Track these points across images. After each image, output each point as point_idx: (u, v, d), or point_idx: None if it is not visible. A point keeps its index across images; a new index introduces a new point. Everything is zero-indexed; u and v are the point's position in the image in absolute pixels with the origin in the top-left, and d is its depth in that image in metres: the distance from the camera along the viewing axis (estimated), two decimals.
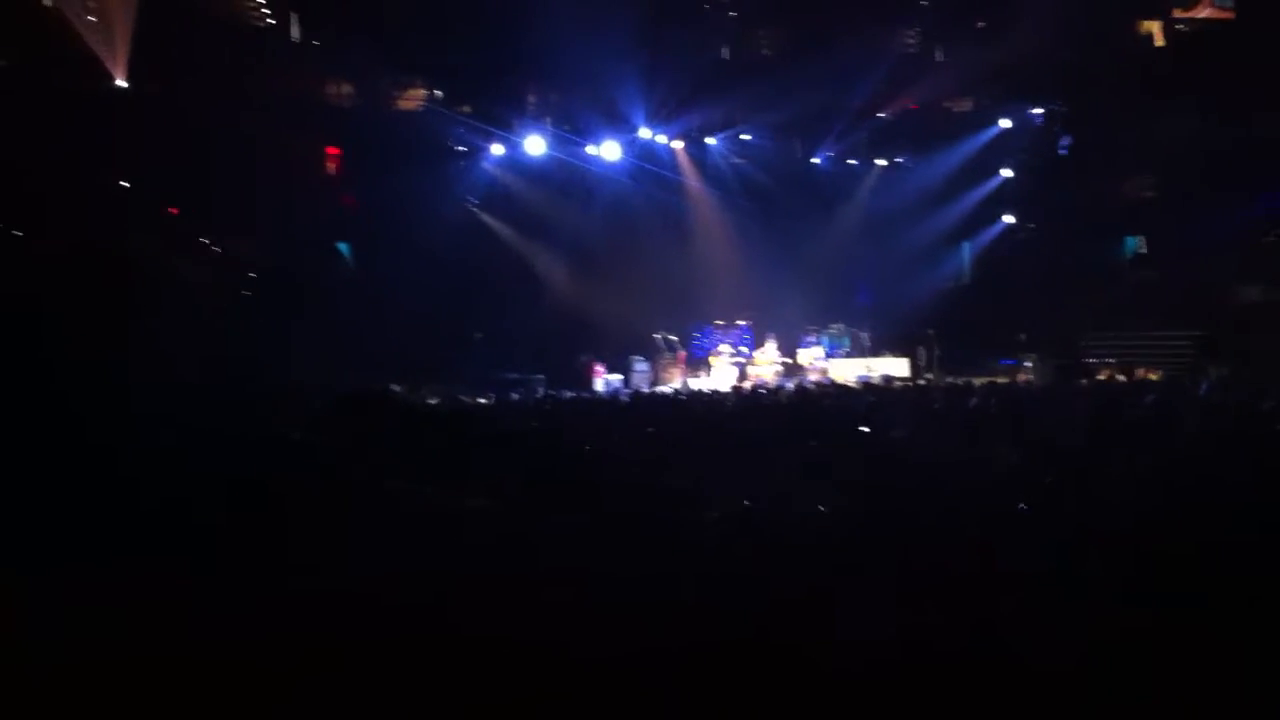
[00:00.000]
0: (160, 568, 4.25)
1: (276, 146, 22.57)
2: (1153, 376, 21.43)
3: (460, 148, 26.13)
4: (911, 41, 27.14)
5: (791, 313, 26.40)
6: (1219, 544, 5.15)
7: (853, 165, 28.58)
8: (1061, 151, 27.49)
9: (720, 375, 25.29)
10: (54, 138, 18.36)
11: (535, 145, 25.84)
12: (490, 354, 24.02)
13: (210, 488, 5.17)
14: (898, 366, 25.45)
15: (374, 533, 5.08)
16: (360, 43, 24.04)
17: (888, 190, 28.06)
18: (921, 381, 23.87)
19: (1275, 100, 22.23)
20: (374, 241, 24.83)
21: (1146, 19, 26.41)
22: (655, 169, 26.85)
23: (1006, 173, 28.29)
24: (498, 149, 26.10)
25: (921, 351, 25.95)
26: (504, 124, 25.73)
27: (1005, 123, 27.51)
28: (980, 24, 26.31)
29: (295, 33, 24.85)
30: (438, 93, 25.83)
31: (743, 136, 27.42)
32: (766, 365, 25.53)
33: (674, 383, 25.12)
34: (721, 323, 26.97)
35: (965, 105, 28.31)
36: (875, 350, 26.60)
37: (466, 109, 25.80)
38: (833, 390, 20.55)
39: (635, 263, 25.31)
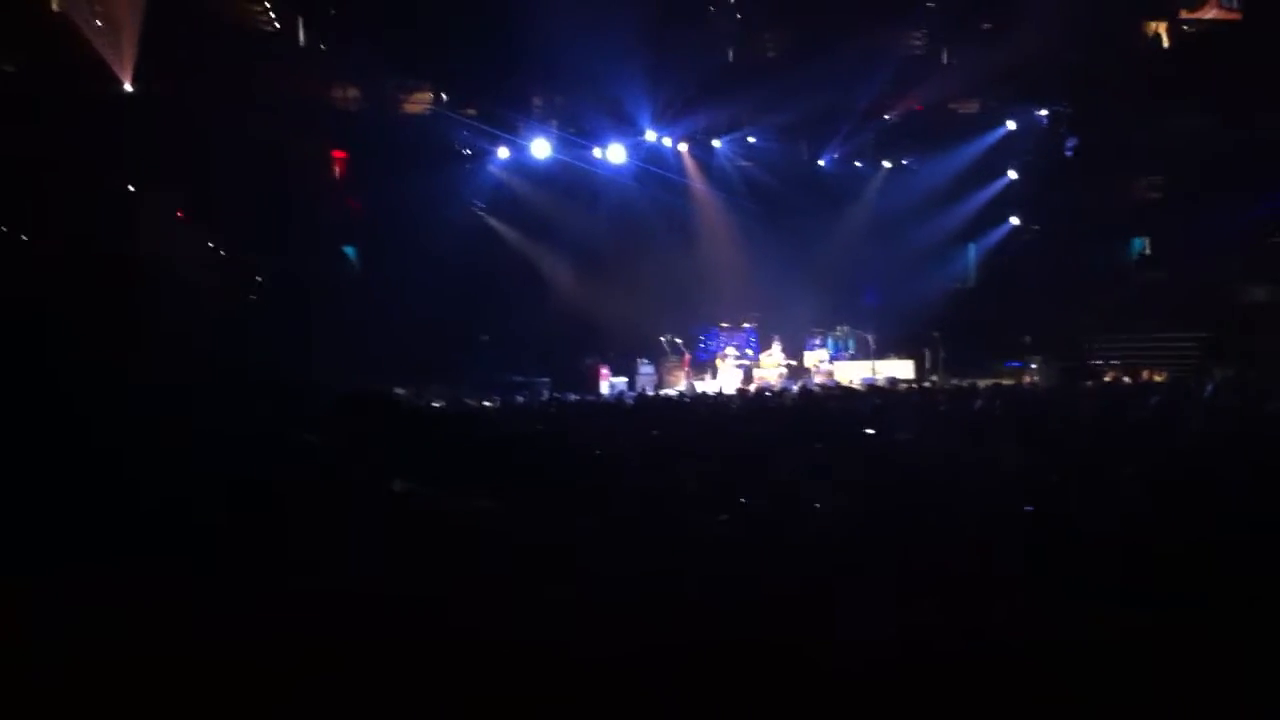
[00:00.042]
0: (161, 568, 4.28)
1: (283, 150, 22.62)
2: (1158, 378, 21.41)
3: (466, 151, 26.16)
4: (917, 43, 27.15)
5: (797, 315, 26.38)
6: (1219, 545, 5.17)
7: (858, 167, 28.55)
8: (1067, 153, 27.46)
9: (726, 378, 25.29)
10: (62, 142, 18.41)
11: (541, 148, 25.88)
12: (495, 357, 24.03)
13: (211, 488, 5.19)
14: (903, 368, 25.45)
15: (374, 533, 5.10)
16: (366, 46, 24.06)
17: (893, 192, 28.02)
18: (927, 384, 23.86)
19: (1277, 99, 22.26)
20: (380, 245, 24.88)
21: (1153, 20, 26.39)
22: (661, 171, 26.85)
23: (1012, 174, 28.25)
24: (503, 152, 26.12)
25: (927, 353, 25.94)
26: (509, 127, 25.75)
27: (1011, 124, 27.47)
28: (986, 25, 26.30)
29: (302, 37, 24.88)
30: (443, 96, 25.86)
31: (748, 139, 27.39)
32: (772, 368, 25.53)
33: (679, 385, 25.11)
34: (727, 325, 26.96)
35: (971, 107, 28.30)
36: (880, 352, 26.56)
37: (472, 112, 25.82)
38: (838, 392, 20.57)
39: (640, 265, 25.29)
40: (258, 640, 3.84)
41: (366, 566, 4.56)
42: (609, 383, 24.90)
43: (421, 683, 3.71)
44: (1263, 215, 24.25)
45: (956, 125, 27.88)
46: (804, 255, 26.12)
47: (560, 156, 26.17)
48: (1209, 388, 16.52)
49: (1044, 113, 27.70)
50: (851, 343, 27.10)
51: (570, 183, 26.43)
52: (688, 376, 25.82)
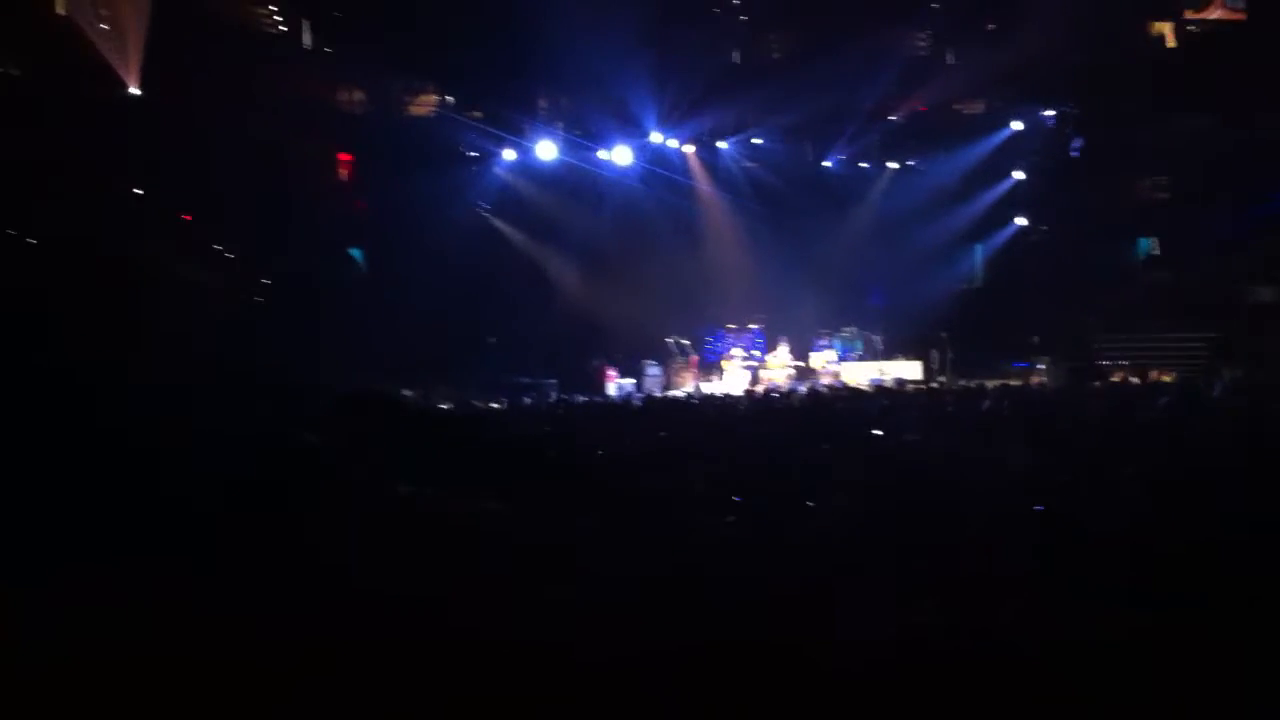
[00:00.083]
0: (161, 568, 4.27)
1: (289, 153, 22.65)
2: (1166, 379, 21.36)
3: (472, 153, 26.18)
4: (922, 44, 27.14)
5: (804, 316, 26.37)
6: (1224, 545, 5.15)
7: (864, 168, 28.55)
8: (1073, 153, 27.43)
9: (733, 379, 25.30)
10: (67, 145, 18.44)
11: (547, 150, 25.90)
12: (502, 359, 24.04)
13: (211, 488, 5.18)
14: (910, 370, 25.42)
15: (374, 533, 5.09)
16: (372, 49, 24.10)
17: (899, 193, 28.00)
18: (934, 384, 23.84)
19: None
20: (386, 247, 24.89)
21: (1158, 20, 26.36)
22: (666, 173, 26.87)
23: (1018, 175, 28.22)
24: (509, 154, 26.15)
25: (934, 354, 25.92)
26: (515, 129, 25.78)
27: (1017, 125, 27.47)
28: (991, 26, 26.28)
29: (307, 39, 24.91)
30: (449, 98, 25.89)
31: (754, 140, 27.41)
32: (779, 369, 25.52)
33: (686, 387, 25.12)
34: (734, 326, 26.94)
35: (976, 107, 28.28)
36: (888, 353, 26.57)
37: (478, 114, 25.86)
38: (845, 394, 20.56)
39: (647, 267, 25.29)
40: (258, 640, 3.83)
41: (366, 566, 4.55)
42: (616, 384, 24.90)
43: (421, 683, 3.70)
44: (1269, 215, 24.19)
45: (962, 126, 27.89)
46: (810, 256, 26.13)
47: (566, 158, 26.19)
48: (1217, 388, 16.50)
49: (1050, 113, 27.68)
50: (859, 344, 27.09)
51: (576, 184, 26.45)
52: (695, 378, 25.84)
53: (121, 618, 3.84)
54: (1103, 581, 4.85)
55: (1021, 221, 28.80)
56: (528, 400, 21.81)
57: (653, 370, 25.61)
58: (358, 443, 6.55)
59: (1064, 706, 3.73)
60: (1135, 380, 21.56)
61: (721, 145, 27.40)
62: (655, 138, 26.30)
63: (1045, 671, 3.89)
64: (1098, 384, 21.22)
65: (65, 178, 18.10)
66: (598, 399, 22.70)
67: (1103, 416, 13.46)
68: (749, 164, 27.88)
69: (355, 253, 25.88)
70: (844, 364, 26.24)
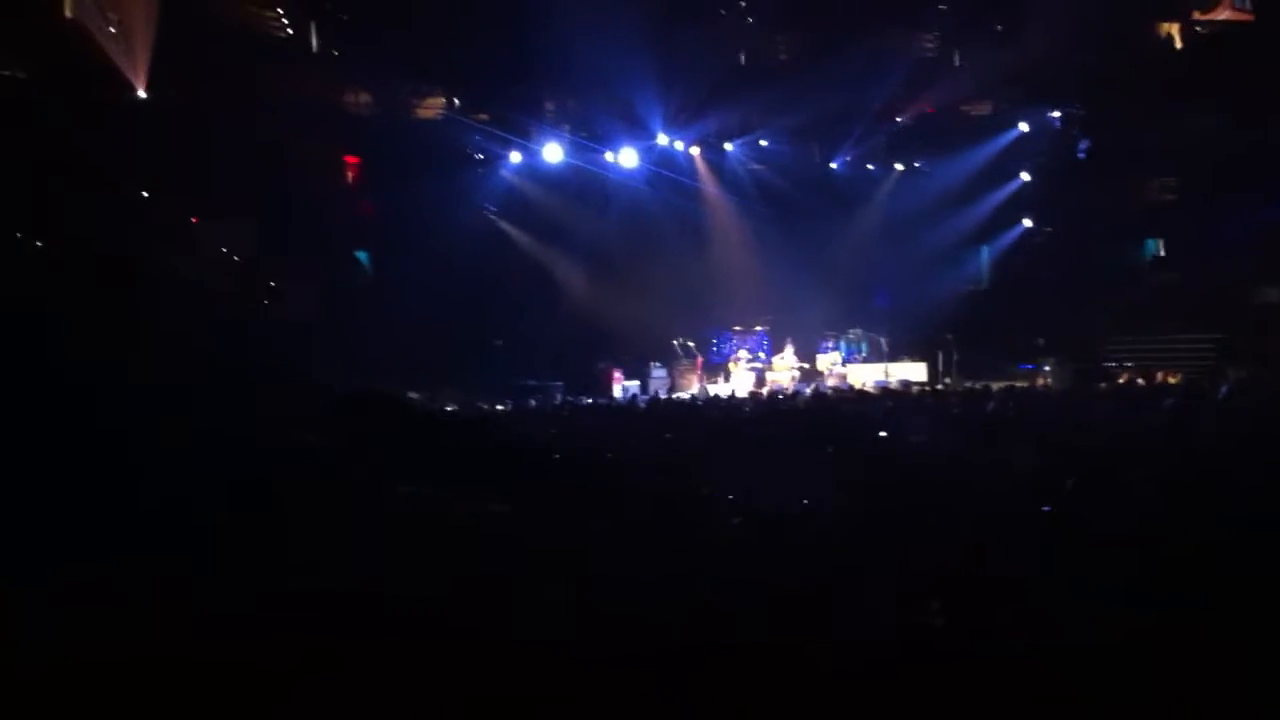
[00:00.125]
0: (161, 568, 4.28)
1: (296, 155, 22.68)
2: (1172, 380, 21.35)
3: (478, 155, 26.20)
4: (929, 45, 27.12)
5: (809, 318, 26.37)
6: (1229, 547, 5.14)
7: (870, 170, 28.56)
8: (1080, 154, 27.42)
9: (738, 381, 25.29)
10: (75, 148, 18.47)
11: (553, 152, 25.92)
12: (508, 361, 24.04)
13: (211, 488, 5.19)
14: (916, 371, 25.42)
15: (374, 533, 5.10)
16: (378, 52, 24.12)
17: (906, 194, 28.01)
18: (940, 386, 23.82)
19: None
20: (392, 249, 24.90)
21: (1165, 21, 26.34)
22: (673, 175, 26.88)
23: (1025, 176, 28.20)
24: (516, 156, 26.16)
25: (940, 356, 25.90)
26: (522, 131, 25.81)
27: (1023, 126, 27.46)
28: (998, 27, 26.26)
29: (314, 42, 24.93)
30: (456, 101, 25.92)
31: (760, 142, 27.41)
32: (784, 371, 25.52)
33: (692, 389, 25.13)
34: (739, 328, 26.96)
35: (983, 109, 28.28)
36: (893, 355, 26.56)
37: (484, 117, 25.91)
38: (851, 395, 20.57)
39: (653, 269, 25.29)
40: (258, 640, 3.84)
41: (366, 566, 4.55)
42: (621, 386, 24.90)
43: (421, 683, 3.71)
44: (1276, 216, 24.16)
45: (969, 127, 27.88)
46: (816, 258, 26.12)
47: (572, 160, 26.21)
48: (1223, 389, 16.47)
49: (1056, 115, 27.67)
50: (864, 345, 27.09)
51: (582, 186, 26.45)
52: (700, 380, 25.84)
53: (121, 618, 3.85)
54: (1106, 583, 4.85)
55: (1028, 223, 28.78)
56: (533, 402, 21.82)
57: (658, 372, 25.62)
58: (358, 443, 6.56)
59: (1065, 707, 3.73)
60: (1141, 382, 21.56)
61: (728, 147, 27.40)
62: (662, 140, 26.30)
63: (1046, 673, 3.89)
64: (1104, 385, 21.21)
65: (71, 180, 18.12)
66: (603, 401, 22.70)
67: (1108, 418, 13.46)
68: (755, 166, 27.89)
69: (361, 255, 25.90)
70: (849, 366, 26.24)
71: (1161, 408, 13.80)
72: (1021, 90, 26.77)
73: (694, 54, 25.19)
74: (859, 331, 27.14)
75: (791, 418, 15.95)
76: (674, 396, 23.30)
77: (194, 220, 22.31)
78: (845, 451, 9.95)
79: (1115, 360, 24.29)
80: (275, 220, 22.05)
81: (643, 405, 19.64)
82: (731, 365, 26.08)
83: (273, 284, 22.82)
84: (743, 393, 22.94)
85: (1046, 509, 6.73)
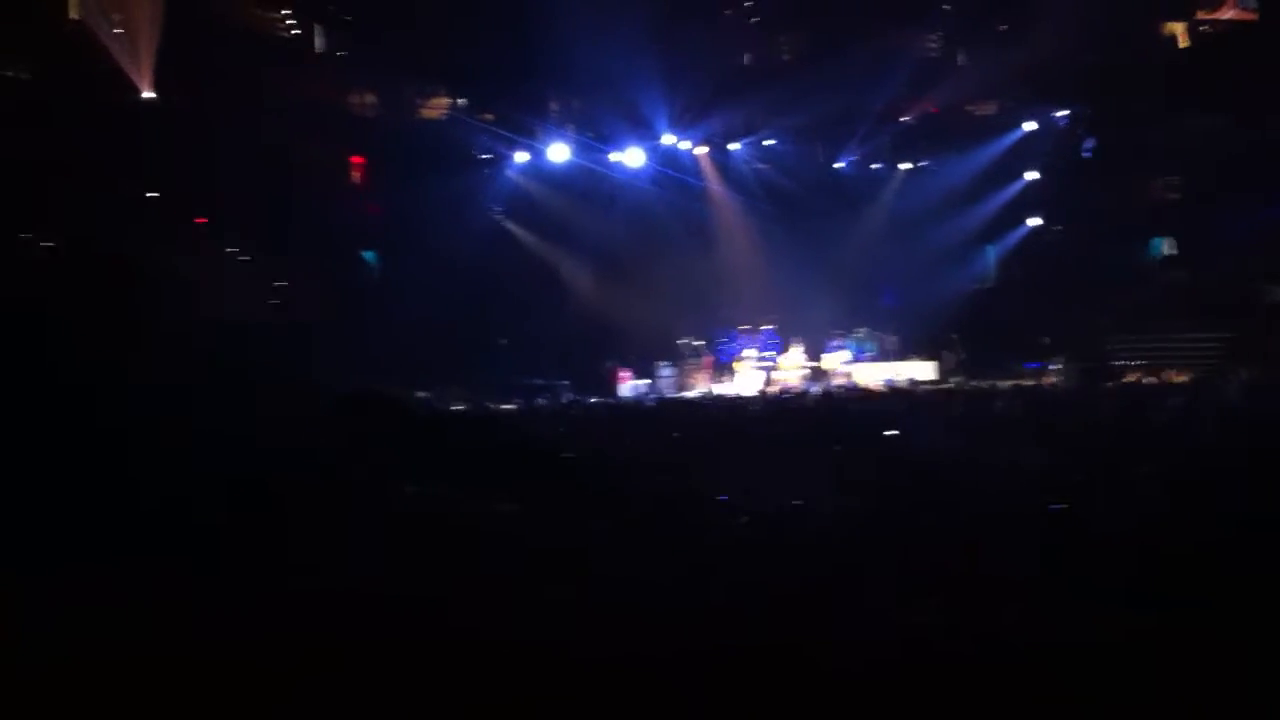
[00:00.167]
0: (162, 567, 4.27)
1: (302, 156, 22.68)
2: (1180, 379, 21.29)
3: (484, 155, 26.19)
4: (934, 45, 27.08)
5: (817, 317, 26.30)
6: (1234, 546, 5.12)
7: (876, 169, 28.51)
8: (1086, 154, 27.35)
9: (746, 380, 25.24)
10: (81, 149, 18.49)
11: (559, 152, 25.92)
12: (515, 360, 24.03)
13: (211, 488, 5.19)
14: (923, 370, 25.36)
15: (374, 533, 5.09)
16: (384, 52, 24.14)
17: (912, 194, 27.95)
18: (947, 385, 23.78)
19: None
20: (398, 250, 24.91)
21: (1170, 20, 26.28)
22: (678, 175, 26.86)
23: (1031, 175, 28.14)
24: (521, 156, 26.16)
25: (947, 355, 25.86)
26: (527, 131, 25.80)
27: (1030, 125, 27.39)
28: (1003, 27, 26.22)
29: (320, 43, 24.95)
30: (461, 101, 25.91)
31: (765, 141, 27.37)
32: (792, 370, 25.46)
33: (700, 388, 25.10)
34: (747, 327, 26.91)
35: (989, 108, 28.21)
36: (901, 354, 26.50)
37: (490, 117, 25.89)
38: (858, 394, 20.57)
39: (659, 268, 25.29)
40: (258, 640, 3.83)
41: (366, 566, 4.55)
42: (629, 386, 24.87)
43: (421, 683, 3.70)
44: None
45: (975, 126, 27.82)
46: (823, 257, 26.07)
47: (578, 160, 26.20)
48: (1231, 388, 16.44)
49: (1063, 113, 27.60)
50: (872, 345, 27.02)
51: (588, 186, 26.45)
52: (708, 379, 25.80)
53: (121, 617, 3.84)
54: (1107, 583, 4.83)
55: (1034, 222, 28.70)
56: (541, 401, 21.81)
57: (666, 371, 25.57)
58: (358, 442, 6.55)
59: (1065, 707, 3.71)
60: (1149, 381, 21.50)
61: (733, 147, 27.37)
62: (667, 139, 26.27)
63: (1046, 673, 3.87)
64: (1111, 384, 21.15)
65: (78, 181, 18.15)
66: (610, 400, 22.69)
67: (1116, 417, 13.44)
68: (761, 165, 27.85)
69: (368, 255, 25.91)
70: (857, 365, 26.18)
71: (1169, 407, 13.78)
72: (1027, 89, 26.71)
73: (699, 54, 25.20)
74: (866, 330, 27.06)
75: (799, 417, 15.94)
76: (682, 396, 23.28)
77: (200, 221, 22.31)
78: (851, 451, 9.94)
79: (1123, 359, 24.22)
80: (281, 221, 22.04)
81: (650, 404, 19.64)
82: (739, 364, 26.00)
83: (279, 285, 22.85)
84: (751, 392, 22.92)
85: (1054, 508, 6.71)
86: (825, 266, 26.00)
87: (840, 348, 26.54)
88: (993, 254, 29.30)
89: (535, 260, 26.30)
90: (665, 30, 23.62)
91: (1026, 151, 27.74)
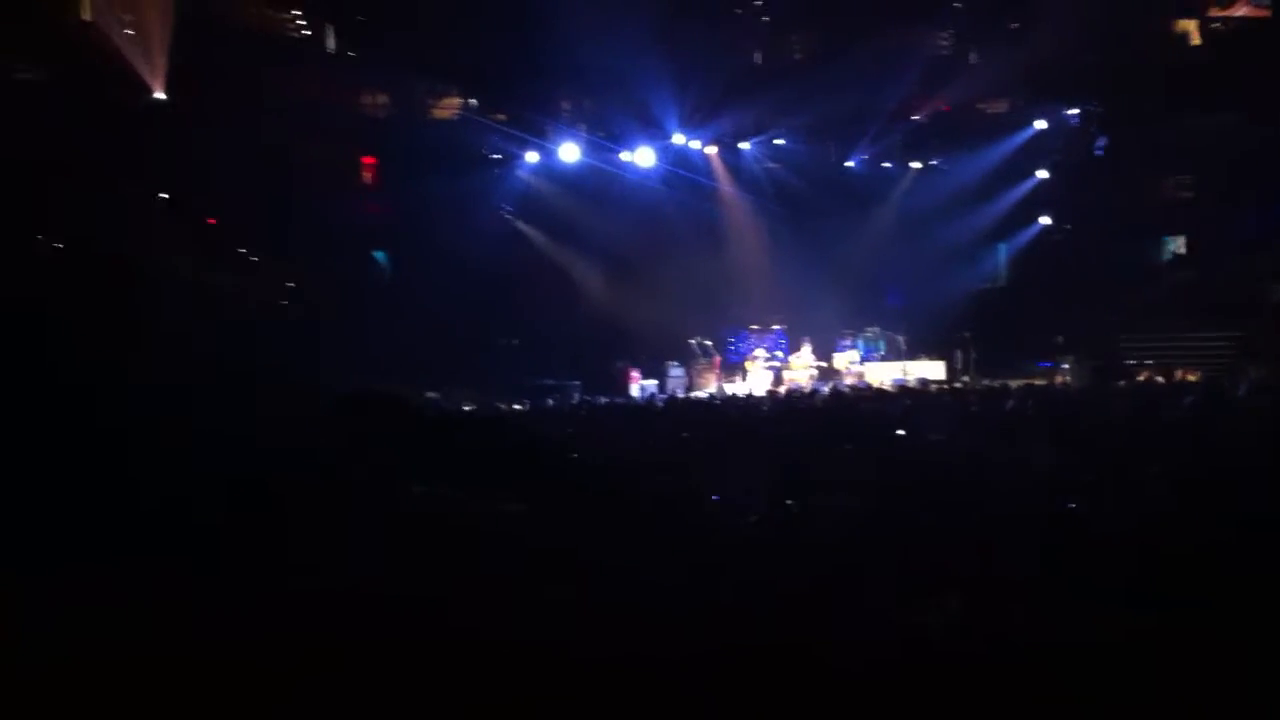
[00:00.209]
0: (161, 567, 4.27)
1: (313, 156, 22.73)
2: (1191, 378, 21.24)
3: (495, 155, 26.23)
4: (945, 43, 27.05)
5: (827, 316, 26.32)
6: (1230, 545, 5.11)
7: (887, 168, 28.49)
8: (1098, 152, 27.31)
9: (755, 380, 25.25)
10: (93, 150, 18.54)
11: (569, 152, 25.94)
12: (525, 360, 24.07)
13: (211, 488, 5.20)
14: (934, 370, 25.34)
15: (374, 533, 5.09)
16: (396, 53, 24.18)
17: (922, 193, 27.93)
18: (958, 384, 23.76)
19: None
20: (410, 250, 24.96)
21: (1182, 18, 26.21)
22: (689, 175, 26.88)
23: (1042, 174, 28.09)
24: (532, 156, 26.20)
25: (958, 354, 25.84)
26: (538, 131, 25.83)
27: (1040, 124, 27.35)
28: (1014, 25, 26.19)
29: (331, 44, 25.00)
30: (472, 101, 25.95)
31: (776, 141, 27.37)
32: (802, 369, 25.47)
33: (709, 388, 25.12)
34: (756, 327, 26.94)
35: (1000, 107, 28.19)
36: (911, 353, 26.49)
37: (501, 117, 25.94)
38: (869, 394, 20.55)
39: (669, 268, 25.31)
40: (258, 640, 3.83)
41: (366, 566, 4.55)
42: (639, 385, 24.89)
43: (421, 683, 3.70)
44: None
45: (986, 125, 27.79)
46: (833, 256, 26.09)
47: (589, 160, 26.23)
48: (1243, 387, 16.39)
49: (1074, 112, 27.55)
50: (882, 344, 27.01)
51: (599, 186, 26.45)
52: (718, 379, 25.82)
53: (121, 617, 3.85)
54: (1109, 583, 4.82)
55: (1045, 220, 28.66)
56: (550, 402, 21.84)
57: (675, 371, 25.60)
58: (358, 442, 6.55)
59: (1067, 707, 3.70)
60: (1160, 380, 21.46)
61: (744, 146, 27.38)
62: (678, 139, 26.29)
63: (1048, 673, 3.86)
64: (1122, 383, 21.11)
65: (89, 182, 18.20)
66: (620, 400, 22.71)
67: (1128, 417, 13.40)
68: (771, 165, 27.86)
69: (379, 256, 25.96)
70: (867, 364, 26.18)
71: (1181, 406, 13.74)
72: (1038, 88, 26.67)
73: (709, 53, 25.20)
74: (876, 330, 27.07)
75: (809, 416, 15.92)
76: (692, 395, 23.29)
77: (209, 221, 22.37)
78: (866, 452, 9.93)
79: (1134, 358, 24.18)
80: (291, 221, 22.08)
81: (660, 404, 19.64)
82: (749, 364, 26.03)
83: (288, 285, 22.91)
84: (760, 391, 22.92)
85: (1066, 507, 6.71)
86: (835, 266, 26.02)
87: (850, 347, 26.55)
88: (1004, 253, 29.28)
89: (545, 260, 26.35)
90: (676, 29, 23.63)
91: (1038, 150, 27.71)
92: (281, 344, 18.64)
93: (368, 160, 26.07)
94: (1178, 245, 27.74)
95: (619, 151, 26.36)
